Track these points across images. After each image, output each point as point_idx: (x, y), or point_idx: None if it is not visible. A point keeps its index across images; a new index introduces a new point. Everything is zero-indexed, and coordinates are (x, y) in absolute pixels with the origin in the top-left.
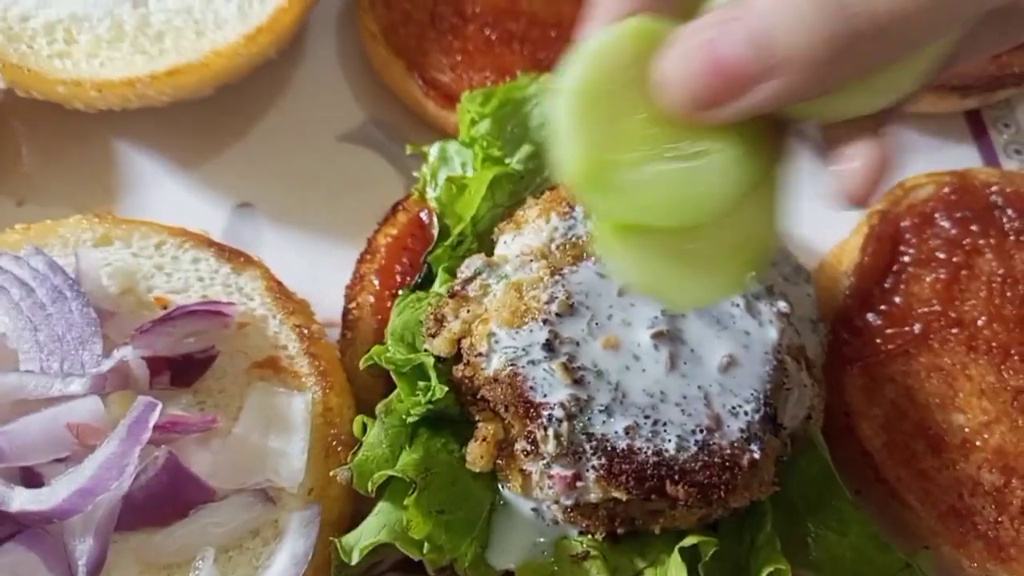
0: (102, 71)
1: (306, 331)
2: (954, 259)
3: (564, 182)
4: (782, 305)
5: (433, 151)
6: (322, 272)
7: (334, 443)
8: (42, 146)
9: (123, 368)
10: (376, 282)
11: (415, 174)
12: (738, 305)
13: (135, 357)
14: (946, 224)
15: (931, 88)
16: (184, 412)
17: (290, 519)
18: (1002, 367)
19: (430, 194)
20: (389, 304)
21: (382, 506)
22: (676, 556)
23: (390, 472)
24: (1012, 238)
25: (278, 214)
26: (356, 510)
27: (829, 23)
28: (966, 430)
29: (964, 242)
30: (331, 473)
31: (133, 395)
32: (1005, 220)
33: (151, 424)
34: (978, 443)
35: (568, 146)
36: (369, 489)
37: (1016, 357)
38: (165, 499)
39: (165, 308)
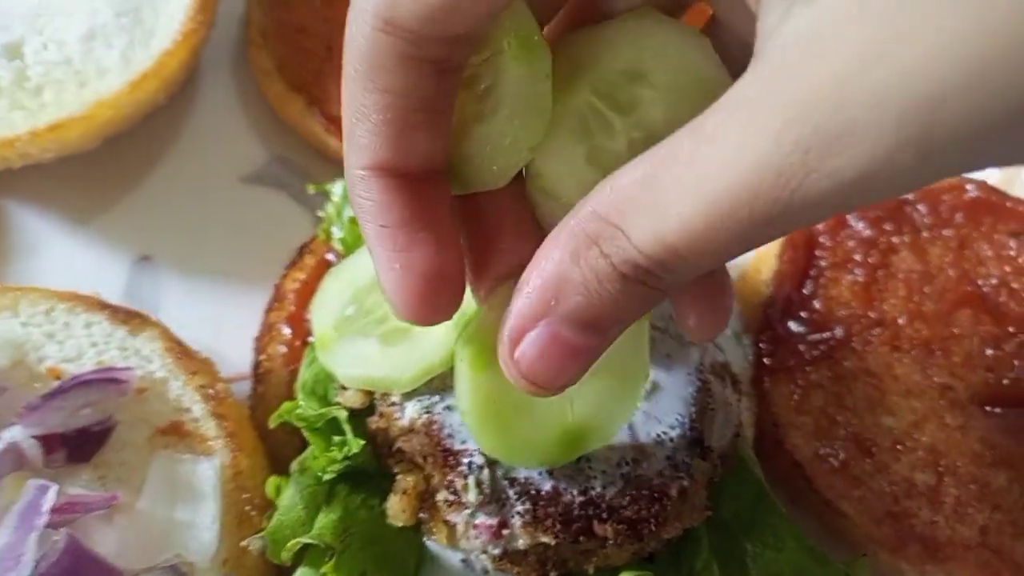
0: None
1: (211, 391)
2: (870, 259)
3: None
4: None
5: (337, 189)
6: (230, 322)
7: (247, 508)
8: None
9: (14, 450)
10: (287, 331)
11: (319, 214)
12: (657, 328)
13: (25, 437)
14: (859, 225)
15: None
16: (84, 490)
17: None
18: (925, 364)
19: (336, 234)
20: (301, 353)
21: (300, 573)
22: None
23: (304, 539)
24: (925, 233)
25: (180, 265)
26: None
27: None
28: (896, 431)
29: (879, 241)
30: (242, 544)
31: (27, 477)
32: (916, 216)
33: (46, 508)
34: (909, 444)
35: (483, 444)
36: (284, 559)
37: (939, 353)
38: None
39: (59, 379)
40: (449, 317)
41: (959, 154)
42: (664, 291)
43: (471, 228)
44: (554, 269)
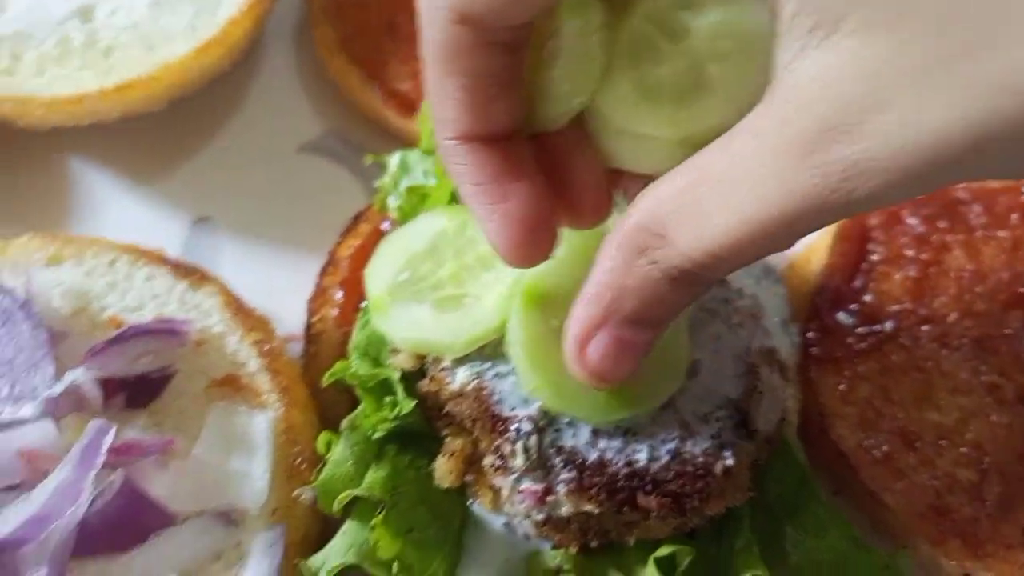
0: (49, 88)
1: (267, 347)
2: (922, 256)
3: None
4: (752, 307)
5: (394, 161)
6: (284, 285)
7: (297, 461)
8: None
9: (76, 391)
10: (339, 295)
11: (376, 184)
12: (707, 309)
13: (88, 379)
14: (913, 221)
15: None
16: (141, 434)
17: (253, 541)
18: (974, 362)
19: (391, 204)
20: (354, 317)
21: (349, 526)
22: (651, 566)
23: (356, 492)
24: (979, 233)
25: (238, 228)
26: (322, 529)
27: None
28: (941, 427)
29: (932, 239)
30: (294, 493)
31: (87, 418)
32: (971, 216)
33: (105, 448)
34: (954, 440)
35: (531, 380)
36: (335, 509)
37: (988, 352)
38: (123, 525)
39: (119, 328)
40: (549, 255)
41: (960, 176)
42: (707, 286)
43: (551, 176)
44: (609, 279)
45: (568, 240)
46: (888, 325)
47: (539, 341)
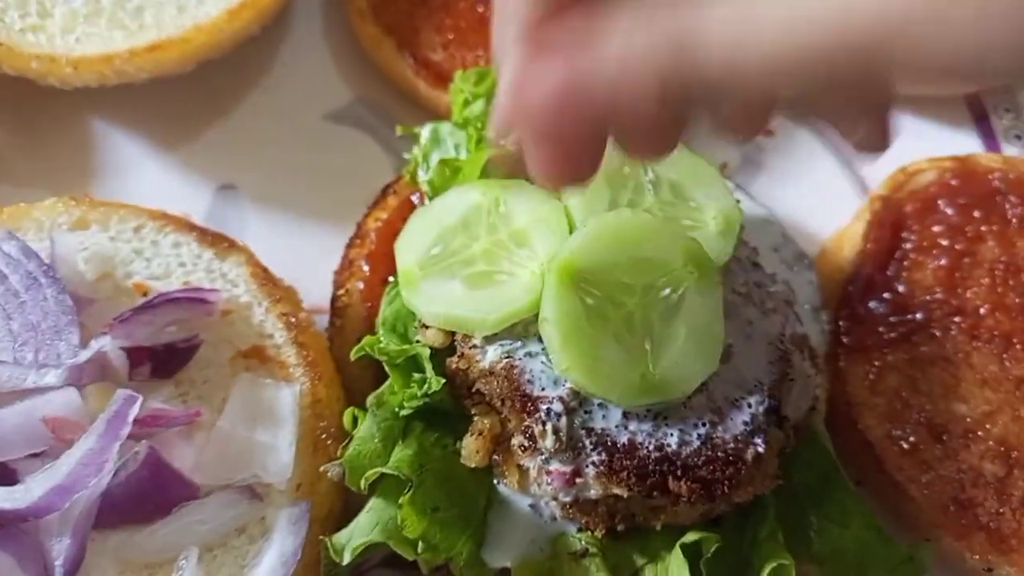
0: (78, 47)
1: (293, 319)
2: (956, 246)
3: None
4: (785, 293)
5: (425, 132)
6: (309, 257)
7: (323, 436)
8: (14, 124)
9: (101, 359)
10: (366, 268)
11: (405, 156)
12: (740, 294)
13: (114, 347)
14: (948, 210)
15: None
16: (166, 404)
17: (278, 516)
18: (1004, 356)
19: (422, 177)
20: (379, 291)
21: (374, 503)
22: (677, 552)
23: (384, 469)
24: (1014, 225)
25: (262, 196)
26: (345, 505)
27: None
28: (968, 420)
29: (966, 229)
30: (321, 469)
31: (112, 387)
32: (1007, 206)
33: (131, 418)
34: (980, 433)
35: (562, 359)
36: (362, 487)
37: (1018, 346)
38: (146, 496)
39: (145, 295)
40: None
41: None
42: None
43: None
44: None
45: (603, 219)
46: (919, 315)
47: (572, 320)
